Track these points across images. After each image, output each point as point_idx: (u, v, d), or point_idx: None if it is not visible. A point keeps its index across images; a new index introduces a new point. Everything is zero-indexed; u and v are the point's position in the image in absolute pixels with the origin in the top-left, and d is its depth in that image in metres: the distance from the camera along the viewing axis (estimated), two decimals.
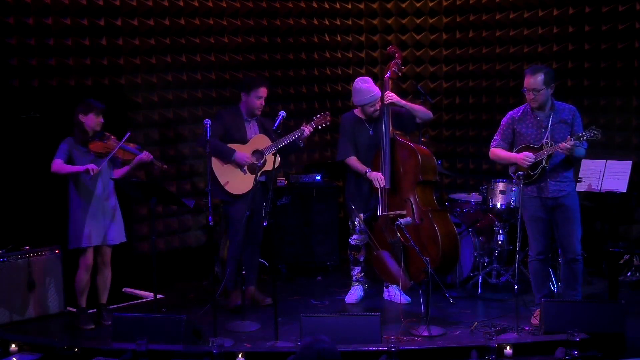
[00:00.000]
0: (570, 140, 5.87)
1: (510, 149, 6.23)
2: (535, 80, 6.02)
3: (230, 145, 6.72)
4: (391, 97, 6.65)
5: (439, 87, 9.19)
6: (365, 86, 6.75)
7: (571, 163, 6.16)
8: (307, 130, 6.67)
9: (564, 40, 8.23)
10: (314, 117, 6.79)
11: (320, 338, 3.85)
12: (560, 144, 5.92)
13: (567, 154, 5.97)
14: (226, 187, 6.70)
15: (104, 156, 6.40)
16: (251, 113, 6.80)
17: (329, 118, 6.80)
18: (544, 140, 6.05)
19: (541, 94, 6.04)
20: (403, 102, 6.72)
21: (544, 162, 6.03)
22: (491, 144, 6.33)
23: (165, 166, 6.66)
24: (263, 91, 6.76)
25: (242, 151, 6.71)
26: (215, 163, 6.68)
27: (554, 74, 6.17)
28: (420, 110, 6.75)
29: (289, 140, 6.62)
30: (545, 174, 6.07)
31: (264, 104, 6.80)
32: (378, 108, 6.77)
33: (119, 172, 6.52)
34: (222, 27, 8.29)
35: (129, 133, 6.40)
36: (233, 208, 6.77)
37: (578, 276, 6.22)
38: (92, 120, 6.39)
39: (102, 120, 6.43)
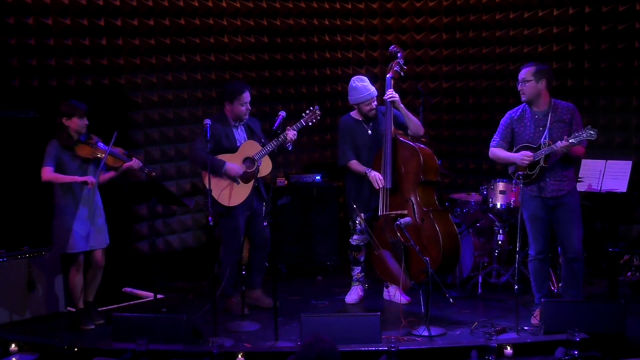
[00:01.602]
0: (566, 141, 5.89)
1: (509, 149, 6.24)
2: (524, 71, 6.10)
3: (221, 156, 6.60)
4: (394, 95, 6.64)
5: (439, 87, 9.19)
6: (361, 84, 6.75)
7: (571, 162, 6.17)
8: (290, 133, 6.54)
9: (564, 40, 8.23)
10: (303, 114, 6.70)
11: (321, 338, 3.85)
12: (556, 144, 5.94)
13: (561, 153, 5.97)
14: (222, 201, 6.61)
15: (91, 161, 6.34)
16: (238, 119, 6.73)
17: (318, 113, 6.69)
18: (542, 139, 6.07)
19: (528, 86, 6.07)
20: (402, 106, 6.71)
21: (542, 162, 6.04)
22: (491, 143, 6.34)
23: (154, 173, 6.58)
24: (246, 96, 6.65)
25: (233, 161, 6.61)
26: (207, 175, 6.62)
27: (549, 73, 6.17)
28: (414, 122, 6.71)
29: (275, 145, 6.51)
30: (545, 173, 6.08)
31: (250, 107, 6.71)
32: (374, 107, 6.77)
33: (104, 177, 6.48)
34: (222, 27, 8.29)
35: (116, 133, 6.24)
36: (230, 218, 6.69)
37: (579, 276, 6.22)
38: (77, 124, 6.29)
39: (87, 122, 6.33)
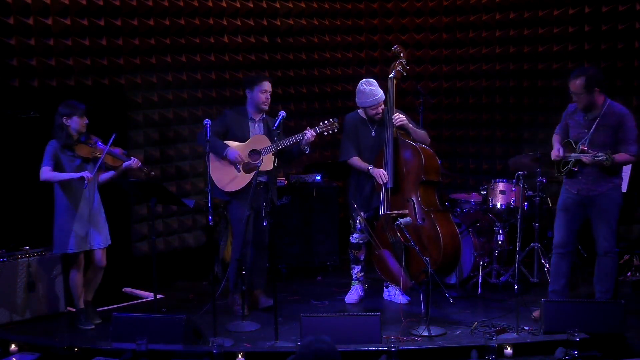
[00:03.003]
0: (589, 157, 5.91)
1: (566, 138, 6.27)
2: (574, 84, 6.03)
3: (228, 143, 6.66)
4: (402, 119, 6.61)
5: (439, 87, 9.19)
6: (369, 88, 6.73)
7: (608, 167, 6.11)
8: (309, 133, 6.53)
9: (563, 40, 8.23)
10: (321, 123, 6.67)
11: (321, 338, 3.85)
12: (582, 157, 5.96)
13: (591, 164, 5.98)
14: (218, 185, 6.65)
15: (90, 161, 6.34)
16: (258, 109, 6.73)
17: (336, 125, 6.65)
18: (580, 143, 6.06)
19: (582, 98, 6.03)
20: (411, 125, 6.69)
21: (570, 165, 6.07)
22: (555, 129, 6.43)
23: (153, 172, 6.58)
24: (267, 85, 6.70)
25: (238, 150, 6.64)
26: (211, 159, 6.66)
27: (599, 76, 6.10)
28: (420, 137, 6.73)
29: (290, 142, 6.53)
30: (576, 173, 6.12)
31: (269, 98, 6.73)
32: (380, 111, 6.76)
33: (104, 177, 6.49)
34: (222, 27, 8.29)
35: (114, 135, 6.25)
36: (231, 207, 6.75)
37: (609, 274, 6.21)
38: (77, 123, 6.29)
39: (87, 121, 6.34)
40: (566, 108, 6.35)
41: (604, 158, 5.84)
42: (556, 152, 6.17)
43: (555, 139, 6.33)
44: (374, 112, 6.75)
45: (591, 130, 6.04)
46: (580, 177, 6.13)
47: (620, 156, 6.00)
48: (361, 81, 6.82)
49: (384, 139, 6.68)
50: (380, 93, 6.74)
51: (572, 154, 6.07)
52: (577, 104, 6.11)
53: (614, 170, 6.11)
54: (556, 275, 6.38)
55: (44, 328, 6.46)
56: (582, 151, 6.01)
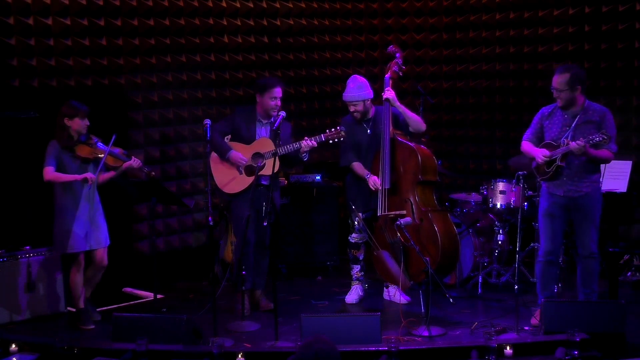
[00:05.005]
0: (581, 141, 5.85)
1: (539, 144, 6.21)
2: (559, 79, 6.03)
3: (234, 144, 6.67)
4: (388, 94, 6.63)
5: (439, 87, 9.19)
6: (352, 85, 6.78)
7: (593, 164, 6.10)
8: (304, 142, 6.52)
9: (564, 40, 8.23)
10: (327, 130, 6.65)
11: (321, 338, 3.85)
12: (571, 144, 5.90)
13: (579, 154, 5.92)
14: (219, 186, 6.68)
15: (91, 161, 6.36)
16: (266, 114, 6.73)
17: (342, 134, 6.60)
18: (563, 139, 6.03)
19: (563, 94, 6.03)
20: (398, 103, 6.68)
21: (558, 161, 6.01)
22: (523, 136, 6.34)
23: (153, 173, 6.59)
24: (277, 91, 6.69)
25: (242, 152, 6.67)
26: (213, 160, 6.68)
27: (583, 75, 6.10)
28: (414, 120, 6.70)
29: (287, 150, 6.52)
30: (562, 172, 6.06)
31: (279, 104, 6.71)
32: (359, 110, 6.77)
33: (104, 177, 6.49)
34: (222, 27, 8.29)
35: (114, 136, 6.26)
36: (233, 205, 6.78)
37: (593, 274, 6.18)
38: (78, 124, 6.30)
39: (88, 123, 6.35)
40: (538, 112, 6.30)
41: (599, 138, 5.80)
42: (541, 154, 6.06)
43: (528, 146, 6.24)
44: (353, 109, 6.79)
45: (572, 126, 6.04)
46: (564, 178, 6.08)
47: (602, 152, 5.99)
48: (352, 76, 6.85)
49: (380, 137, 6.68)
50: (360, 92, 6.75)
51: (560, 149, 5.99)
52: (558, 101, 6.08)
53: (596, 167, 6.12)
54: (547, 282, 6.30)
55: (44, 328, 6.47)
56: (567, 144, 5.95)
